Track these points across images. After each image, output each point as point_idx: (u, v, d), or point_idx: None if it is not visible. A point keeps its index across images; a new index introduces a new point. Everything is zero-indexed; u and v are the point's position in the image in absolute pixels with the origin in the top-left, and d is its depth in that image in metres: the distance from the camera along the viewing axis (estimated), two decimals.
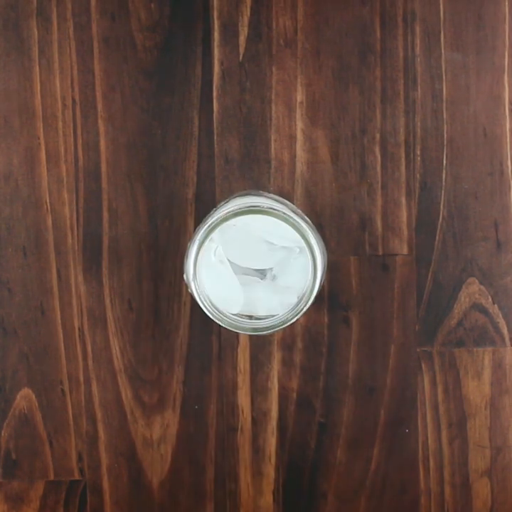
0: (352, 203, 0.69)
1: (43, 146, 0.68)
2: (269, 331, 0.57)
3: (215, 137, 0.69)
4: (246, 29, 0.68)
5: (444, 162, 0.69)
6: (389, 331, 0.69)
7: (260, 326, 0.57)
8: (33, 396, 0.69)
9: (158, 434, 0.69)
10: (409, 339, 0.69)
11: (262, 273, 0.61)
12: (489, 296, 0.69)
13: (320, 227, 0.68)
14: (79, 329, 0.69)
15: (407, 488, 0.71)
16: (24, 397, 0.69)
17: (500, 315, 0.69)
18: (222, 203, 0.62)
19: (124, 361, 0.70)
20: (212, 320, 0.58)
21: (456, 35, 0.68)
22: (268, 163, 0.69)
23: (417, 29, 0.68)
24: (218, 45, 0.68)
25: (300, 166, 0.69)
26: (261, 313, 0.60)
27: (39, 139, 0.68)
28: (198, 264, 0.56)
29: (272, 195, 0.63)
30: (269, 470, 0.70)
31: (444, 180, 0.69)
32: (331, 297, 0.68)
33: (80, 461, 0.70)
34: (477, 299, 0.69)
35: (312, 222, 0.60)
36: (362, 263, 0.69)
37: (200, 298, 0.56)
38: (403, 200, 0.69)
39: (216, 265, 0.61)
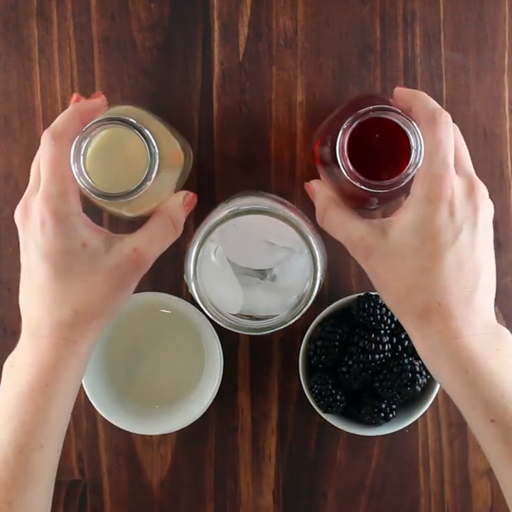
0: None
1: None
2: (269, 331, 0.57)
3: (215, 137, 0.69)
4: (246, 29, 0.68)
5: None
6: None
7: (260, 326, 0.57)
8: None
9: (158, 434, 0.69)
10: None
11: (262, 273, 0.61)
12: None
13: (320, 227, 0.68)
14: None
15: (407, 488, 0.70)
16: None
17: (500, 315, 0.69)
18: (223, 203, 0.62)
19: None
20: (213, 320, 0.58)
21: (456, 35, 0.68)
22: (268, 163, 0.69)
23: (417, 29, 0.68)
24: (218, 45, 0.68)
25: (300, 166, 0.69)
26: (261, 313, 0.60)
27: (39, 139, 0.68)
28: (198, 264, 0.56)
29: (272, 195, 0.63)
30: (269, 470, 0.70)
31: None
32: (331, 297, 0.68)
33: (79, 461, 0.70)
34: None
35: (312, 222, 0.60)
36: None
37: (200, 298, 0.56)
38: (403, 199, 0.69)
39: (216, 265, 0.61)
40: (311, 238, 0.55)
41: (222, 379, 0.64)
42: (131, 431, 0.65)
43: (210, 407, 0.64)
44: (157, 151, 0.58)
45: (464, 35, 0.68)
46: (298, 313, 0.56)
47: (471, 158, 0.69)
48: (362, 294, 0.63)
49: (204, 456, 0.70)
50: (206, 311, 0.57)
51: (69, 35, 0.68)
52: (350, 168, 0.57)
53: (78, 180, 0.58)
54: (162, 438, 0.70)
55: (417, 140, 0.57)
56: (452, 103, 0.68)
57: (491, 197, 0.69)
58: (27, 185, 0.69)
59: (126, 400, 0.68)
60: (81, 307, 0.50)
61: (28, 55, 0.68)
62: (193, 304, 0.63)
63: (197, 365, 0.68)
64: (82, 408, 0.69)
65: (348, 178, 0.58)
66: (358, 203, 0.64)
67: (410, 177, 0.57)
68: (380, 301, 0.62)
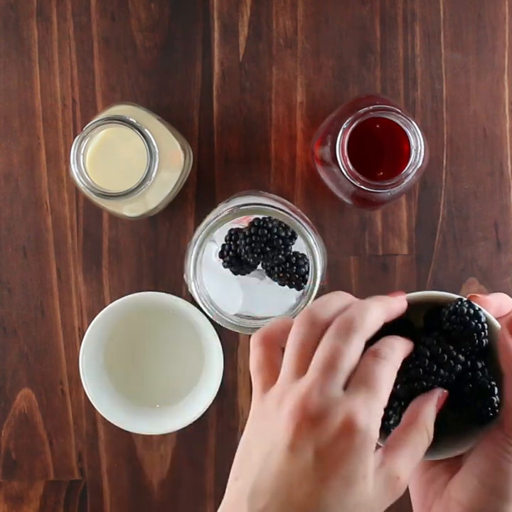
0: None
1: (43, 146, 0.68)
2: None
3: (215, 137, 0.69)
4: (246, 29, 0.68)
5: (444, 162, 0.69)
6: None
7: (260, 326, 0.57)
8: (33, 396, 0.69)
9: (158, 434, 0.69)
10: None
11: (261, 273, 0.62)
12: None
13: (320, 227, 0.68)
14: (79, 329, 0.69)
15: (406, 488, 0.70)
16: (24, 397, 0.69)
17: None
18: (223, 202, 0.62)
19: None
20: (212, 320, 0.58)
21: (456, 35, 0.68)
22: (268, 163, 0.69)
23: (417, 29, 0.68)
24: (218, 45, 0.68)
25: (300, 166, 0.69)
26: (260, 313, 0.60)
27: (39, 139, 0.68)
28: (198, 264, 0.56)
29: (272, 195, 0.63)
30: None
31: (444, 180, 0.69)
32: None
33: (79, 461, 0.70)
34: None
35: (312, 222, 0.60)
36: (362, 263, 0.69)
37: (200, 298, 0.56)
38: (403, 200, 0.69)
39: (216, 265, 0.61)
40: (311, 238, 0.55)
41: (222, 379, 0.64)
42: (131, 431, 0.65)
43: (210, 407, 0.64)
44: (157, 151, 0.58)
45: (464, 35, 0.68)
46: (298, 313, 0.56)
47: (471, 158, 0.69)
48: (465, 297, 0.50)
49: (204, 456, 0.70)
50: (206, 311, 0.57)
51: (69, 35, 0.68)
52: (350, 168, 0.57)
53: (78, 180, 0.58)
54: (162, 438, 0.70)
55: (417, 140, 0.57)
56: (452, 103, 0.68)
57: (491, 197, 0.69)
58: (27, 185, 0.69)
59: (126, 400, 0.68)
60: None
61: (28, 55, 0.68)
62: (193, 304, 0.63)
63: (197, 365, 0.68)
64: (82, 408, 0.69)
65: (348, 178, 0.58)
66: (358, 203, 0.64)
67: (410, 177, 0.57)
68: (482, 317, 0.49)
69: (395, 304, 0.46)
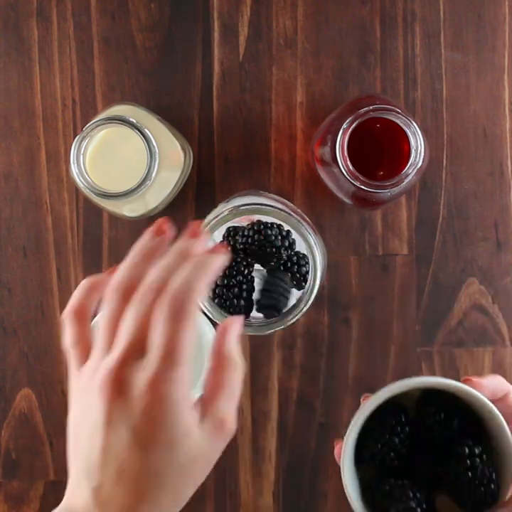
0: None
1: (43, 146, 0.68)
2: (269, 331, 0.57)
3: (215, 137, 0.69)
4: (246, 29, 0.68)
5: (444, 162, 0.69)
6: (389, 331, 0.69)
7: (260, 326, 0.57)
8: (33, 396, 0.69)
9: None
10: (409, 339, 0.69)
11: (261, 273, 0.61)
12: (489, 296, 0.69)
13: (320, 227, 0.68)
14: None
15: None
16: (24, 397, 0.69)
17: (501, 315, 0.69)
18: (223, 202, 0.62)
19: None
20: (212, 320, 0.58)
21: (456, 35, 0.68)
22: (268, 163, 0.69)
23: (417, 29, 0.68)
24: (218, 45, 0.68)
25: (300, 166, 0.69)
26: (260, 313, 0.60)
27: (39, 139, 0.68)
28: None
29: (272, 195, 0.63)
30: (269, 470, 0.70)
31: (444, 180, 0.69)
32: (331, 297, 0.68)
33: None
34: (477, 299, 0.69)
35: (312, 222, 0.60)
36: (362, 263, 0.69)
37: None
38: (403, 200, 0.69)
39: None
40: (311, 238, 0.55)
41: None
42: None
43: None
44: (157, 151, 0.58)
45: (464, 35, 0.68)
46: (298, 313, 0.56)
47: (471, 158, 0.69)
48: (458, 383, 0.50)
49: None
50: (206, 311, 0.57)
51: (69, 35, 0.68)
52: (350, 168, 0.57)
53: (78, 180, 0.58)
54: None
55: (417, 140, 0.57)
56: (452, 103, 0.68)
57: (491, 197, 0.69)
58: (27, 185, 0.69)
59: None
60: (169, 507, 0.43)
61: (28, 55, 0.68)
62: None
63: (197, 365, 0.68)
64: None
65: (348, 178, 0.58)
66: (358, 203, 0.64)
67: (410, 177, 0.57)
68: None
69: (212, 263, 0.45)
